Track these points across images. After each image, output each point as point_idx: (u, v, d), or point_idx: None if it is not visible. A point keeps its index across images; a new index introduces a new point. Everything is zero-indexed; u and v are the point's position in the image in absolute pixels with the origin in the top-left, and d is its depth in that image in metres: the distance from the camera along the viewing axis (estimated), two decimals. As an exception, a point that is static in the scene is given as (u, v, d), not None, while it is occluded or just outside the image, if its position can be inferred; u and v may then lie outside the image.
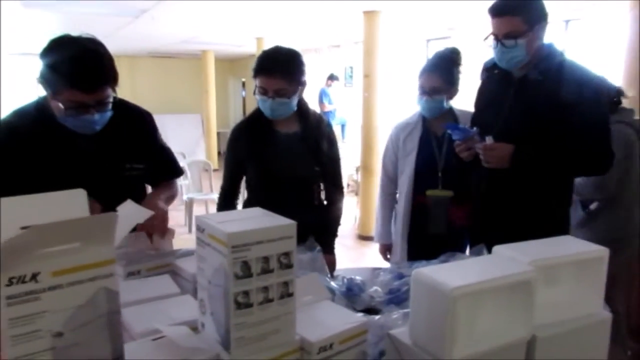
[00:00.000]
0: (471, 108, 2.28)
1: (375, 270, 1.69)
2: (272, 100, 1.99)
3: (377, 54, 6.25)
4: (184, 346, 0.85)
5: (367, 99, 6.31)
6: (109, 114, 1.64)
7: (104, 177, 1.67)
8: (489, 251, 1.06)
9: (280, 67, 1.98)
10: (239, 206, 2.38)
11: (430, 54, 7.32)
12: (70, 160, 1.67)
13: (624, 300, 2.49)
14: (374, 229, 2.73)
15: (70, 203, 0.85)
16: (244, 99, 14.62)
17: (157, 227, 1.64)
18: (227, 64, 14.18)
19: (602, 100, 1.88)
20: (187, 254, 1.42)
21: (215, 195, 6.73)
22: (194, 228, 3.99)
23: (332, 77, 9.33)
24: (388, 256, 2.56)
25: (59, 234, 0.71)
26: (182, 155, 8.04)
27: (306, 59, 2.13)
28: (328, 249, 2.17)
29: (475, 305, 0.86)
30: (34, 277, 0.70)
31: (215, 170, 8.27)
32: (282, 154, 2.10)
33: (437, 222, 2.31)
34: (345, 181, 2.36)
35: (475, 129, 2.01)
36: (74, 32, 1.63)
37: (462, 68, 2.30)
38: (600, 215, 2.58)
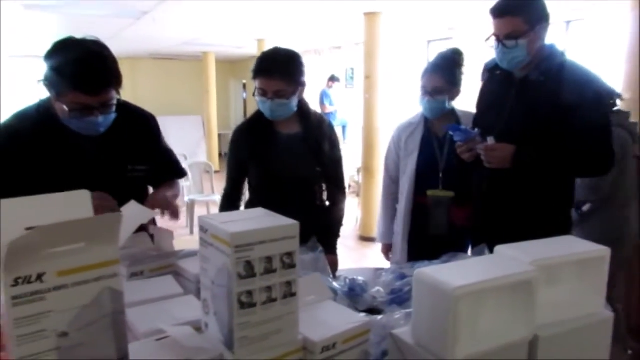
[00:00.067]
0: (472, 108, 2.29)
1: (378, 271, 1.70)
2: (272, 102, 2.00)
3: (378, 55, 6.26)
4: (188, 346, 0.85)
5: (368, 100, 6.31)
6: (112, 116, 1.65)
7: (107, 178, 1.68)
8: (491, 251, 1.06)
9: (279, 68, 1.99)
10: (242, 208, 2.38)
11: (431, 55, 7.33)
12: (74, 162, 1.68)
13: (623, 299, 2.49)
14: (376, 229, 2.73)
15: (74, 204, 0.86)
16: (245, 101, 14.63)
17: (165, 206, 1.72)
18: (228, 65, 14.20)
19: (603, 100, 1.89)
20: (190, 254, 1.43)
21: (217, 197, 6.75)
22: (195, 229, 3.99)
23: (333, 79, 9.34)
24: (390, 256, 2.57)
25: (64, 235, 0.72)
26: (184, 157, 8.05)
27: (307, 60, 2.14)
28: (330, 250, 2.17)
29: (477, 305, 0.86)
30: (39, 277, 0.71)
31: (216, 171, 8.29)
32: (283, 155, 2.10)
33: (438, 222, 2.31)
34: (346, 182, 2.35)
35: (476, 130, 2.01)
36: (78, 35, 1.63)
37: (464, 69, 2.30)
38: (593, 216, 2.59)
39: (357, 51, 8.83)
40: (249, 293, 0.85)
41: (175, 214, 1.80)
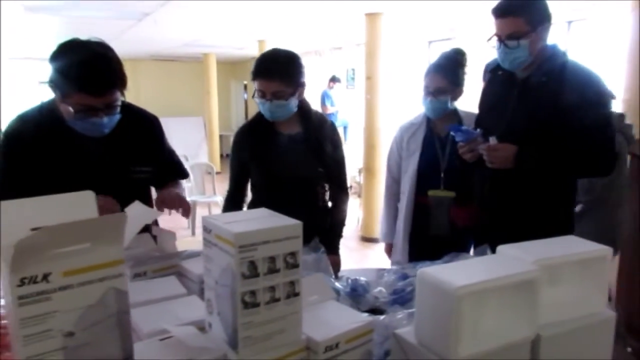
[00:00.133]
0: (472, 109, 2.29)
1: (380, 271, 1.70)
2: (271, 103, 2.01)
3: (379, 55, 6.26)
4: (192, 346, 0.86)
5: (369, 100, 6.32)
6: (117, 117, 1.66)
7: (111, 179, 1.68)
8: (493, 252, 1.06)
9: (277, 69, 2.00)
10: (244, 209, 2.39)
11: (432, 55, 7.34)
12: (78, 163, 1.69)
13: (621, 299, 2.50)
14: (379, 228, 2.74)
15: (79, 204, 0.86)
16: (245, 102, 14.65)
17: (178, 204, 1.75)
18: (229, 66, 14.22)
19: (605, 101, 1.88)
20: (193, 255, 1.43)
21: (218, 198, 6.75)
22: (197, 230, 3.98)
23: (334, 79, 9.34)
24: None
25: (70, 235, 0.72)
26: (185, 158, 8.05)
27: (308, 61, 2.15)
28: (333, 250, 2.18)
29: (480, 305, 0.87)
30: (45, 277, 0.71)
31: (217, 172, 8.29)
32: (284, 155, 2.11)
33: (438, 222, 2.32)
34: (348, 183, 2.36)
35: (478, 130, 2.01)
36: (79, 36, 1.64)
37: (467, 69, 2.31)
38: (585, 217, 2.59)
39: (358, 52, 8.83)
40: (253, 293, 0.85)
41: (187, 211, 1.81)
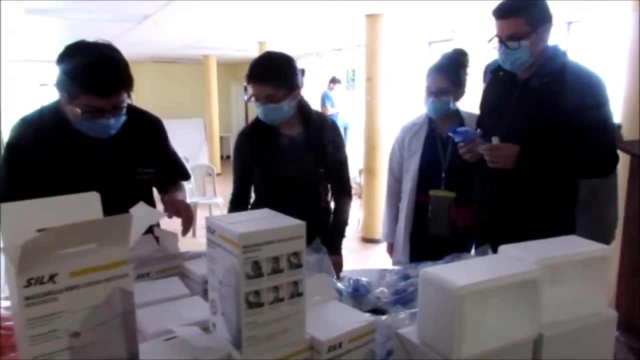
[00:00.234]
0: (471, 109, 2.29)
1: (381, 272, 1.71)
2: (264, 106, 2.02)
3: (380, 56, 6.27)
4: (197, 346, 0.86)
5: (370, 101, 6.33)
6: (123, 118, 1.68)
7: (116, 180, 1.69)
8: (494, 252, 1.07)
9: (267, 73, 2.01)
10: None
11: (432, 56, 7.32)
12: (83, 164, 1.70)
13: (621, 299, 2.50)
14: (381, 228, 2.75)
15: (84, 206, 0.87)
16: (246, 103, 14.64)
17: (184, 217, 1.78)
18: (229, 68, 14.23)
19: (607, 101, 1.88)
20: (195, 256, 1.44)
21: (219, 199, 6.75)
22: (198, 232, 3.96)
23: (334, 80, 9.35)
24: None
25: (76, 236, 0.73)
26: (186, 160, 8.05)
27: (308, 62, 2.16)
28: (335, 250, 2.18)
29: (482, 304, 0.87)
30: (51, 278, 0.72)
31: (218, 174, 8.30)
32: (284, 156, 2.11)
33: (437, 222, 2.32)
34: (348, 183, 2.36)
35: (477, 131, 2.02)
36: (85, 38, 1.66)
37: (468, 69, 2.31)
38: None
39: (358, 53, 8.84)
40: (257, 293, 0.86)
41: (189, 221, 1.80)
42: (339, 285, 1.48)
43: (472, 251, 2.25)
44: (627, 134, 3.55)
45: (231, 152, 12.52)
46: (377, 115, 6.33)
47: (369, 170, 6.43)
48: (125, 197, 1.33)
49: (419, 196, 2.38)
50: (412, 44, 8.35)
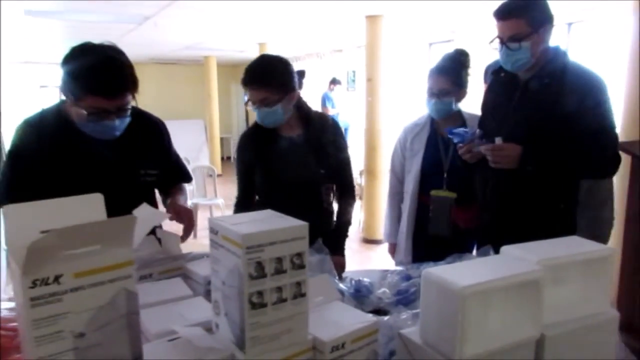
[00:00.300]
0: (472, 110, 2.29)
1: (383, 272, 1.71)
2: (259, 110, 2.03)
3: (380, 57, 6.27)
4: (200, 346, 0.87)
5: (370, 102, 6.33)
6: (127, 119, 1.69)
7: (119, 182, 1.70)
8: (496, 252, 1.07)
9: (260, 77, 2.01)
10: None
11: (433, 57, 7.33)
12: (87, 166, 1.71)
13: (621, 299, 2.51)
14: (382, 229, 2.75)
15: (88, 207, 0.87)
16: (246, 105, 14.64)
17: (186, 224, 1.78)
18: (230, 69, 14.23)
19: (608, 102, 1.89)
20: (198, 257, 1.45)
21: (219, 201, 6.74)
22: (199, 233, 3.97)
23: (334, 82, 9.36)
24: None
25: (80, 237, 0.73)
26: (187, 161, 8.05)
27: (308, 63, 2.15)
28: (338, 250, 2.18)
29: (484, 304, 0.87)
30: (56, 279, 0.72)
31: (219, 175, 8.30)
32: (285, 158, 2.12)
33: (438, 222, 2.32)
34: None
35: (478, 131, 2.02)
36: (79, 40, 1.67)
37: (470, 70, 2.32)
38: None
39: (358, 54, 8.85)
40: (260, 293, 0.86)
41: (190, 229, 1.80)
42: (341, 285, 1.48)
43: (474, 252, 2.25)
44: (627, 134, 3.56)
45: (232, 154, 12.52)
46: (377, 116, 6.33)
47: (370, 171, 6.43)
48: (129, 199, 1.34)
49: (421, 197, 2.38)
50: (412, 45, 8.36)
